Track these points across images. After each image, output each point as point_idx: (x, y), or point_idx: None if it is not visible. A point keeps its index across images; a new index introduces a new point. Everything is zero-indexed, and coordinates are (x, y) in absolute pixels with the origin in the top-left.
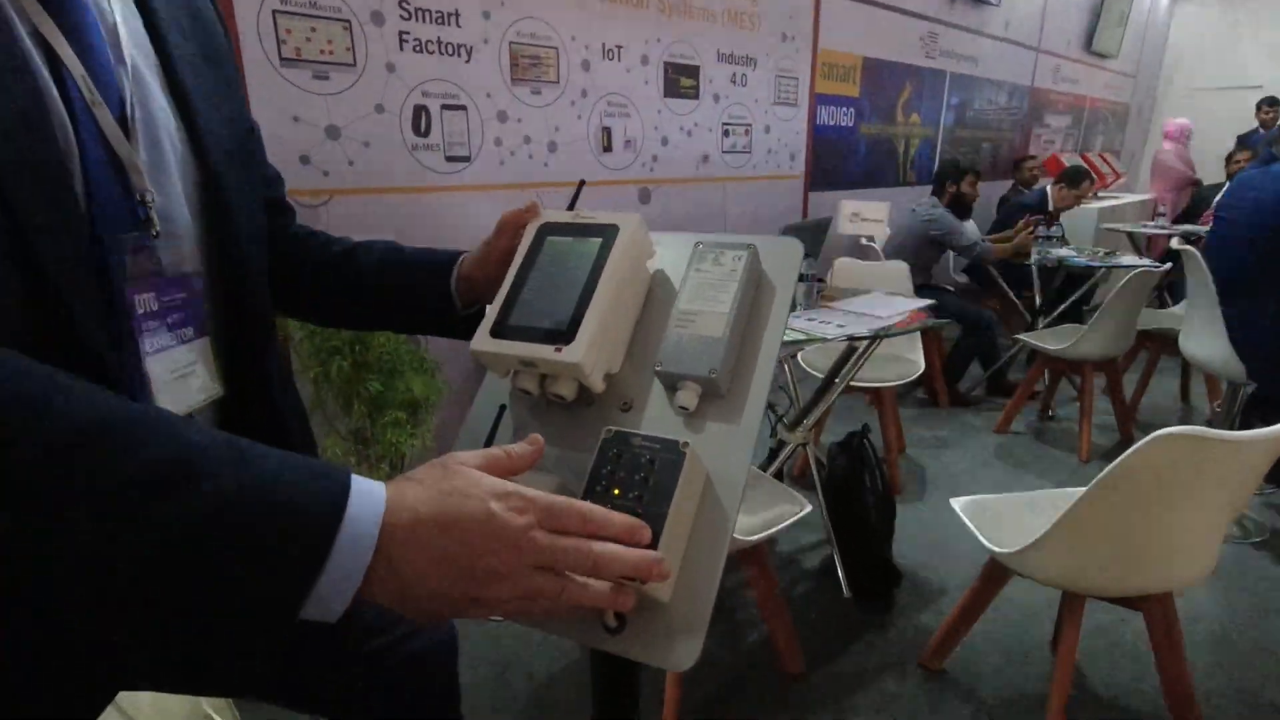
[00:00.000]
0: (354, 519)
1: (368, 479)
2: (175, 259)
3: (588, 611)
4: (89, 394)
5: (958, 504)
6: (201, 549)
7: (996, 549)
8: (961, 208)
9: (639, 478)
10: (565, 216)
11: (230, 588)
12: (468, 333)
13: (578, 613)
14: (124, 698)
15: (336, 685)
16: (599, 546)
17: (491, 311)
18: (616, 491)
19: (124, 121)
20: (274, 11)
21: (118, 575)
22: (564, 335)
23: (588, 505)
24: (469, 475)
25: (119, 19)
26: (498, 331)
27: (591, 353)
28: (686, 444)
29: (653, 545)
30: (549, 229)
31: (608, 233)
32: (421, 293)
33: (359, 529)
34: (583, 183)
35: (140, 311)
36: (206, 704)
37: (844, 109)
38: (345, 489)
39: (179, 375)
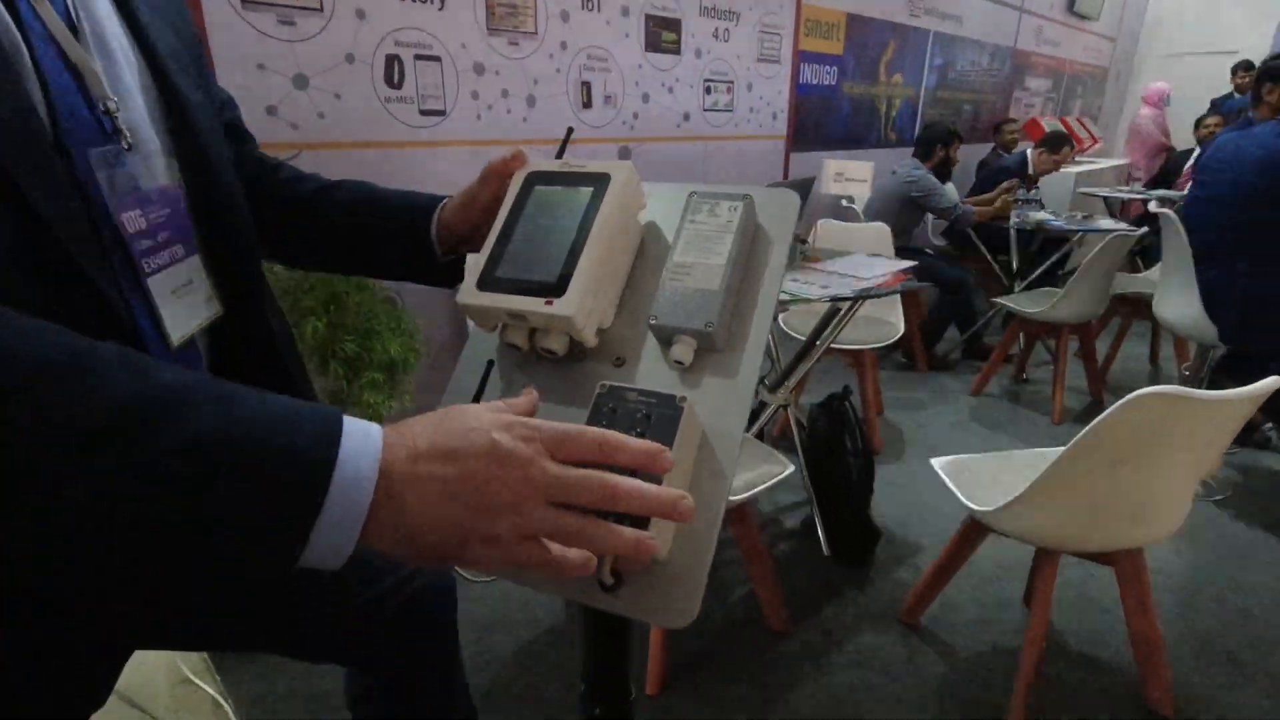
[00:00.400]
0: (349, 457)
1: (361, 420)
2: (150, 172)
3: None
4: (42, 332)
5: (938, 463)
6: (182, 496)
7: (975, 507)
8: (945, 171)
9: (635, 434)
10: (554, 165)
11: (218, 538)
12: (445, 280)
13: (589, 568)
14: None
15: (337, 633)
16: (617, 477)
17: (478, 263)
18: None
19: (69, 23)
20: None
21: (90, 530)
22: (555, 288)
23: (600, 429)
24: (469, 409)
25: None
26: (485, 283)
27: (584, 305)
28: (684, 398)
29: None
30: (537, 178)
31: (599, 182)
32: (398, 238)
33: (356, 468)
34: (571, 130)
35: (131, 230)
36: (185, 667)
37: (827, 67)
38: (338, 428)
39: (180, 295)
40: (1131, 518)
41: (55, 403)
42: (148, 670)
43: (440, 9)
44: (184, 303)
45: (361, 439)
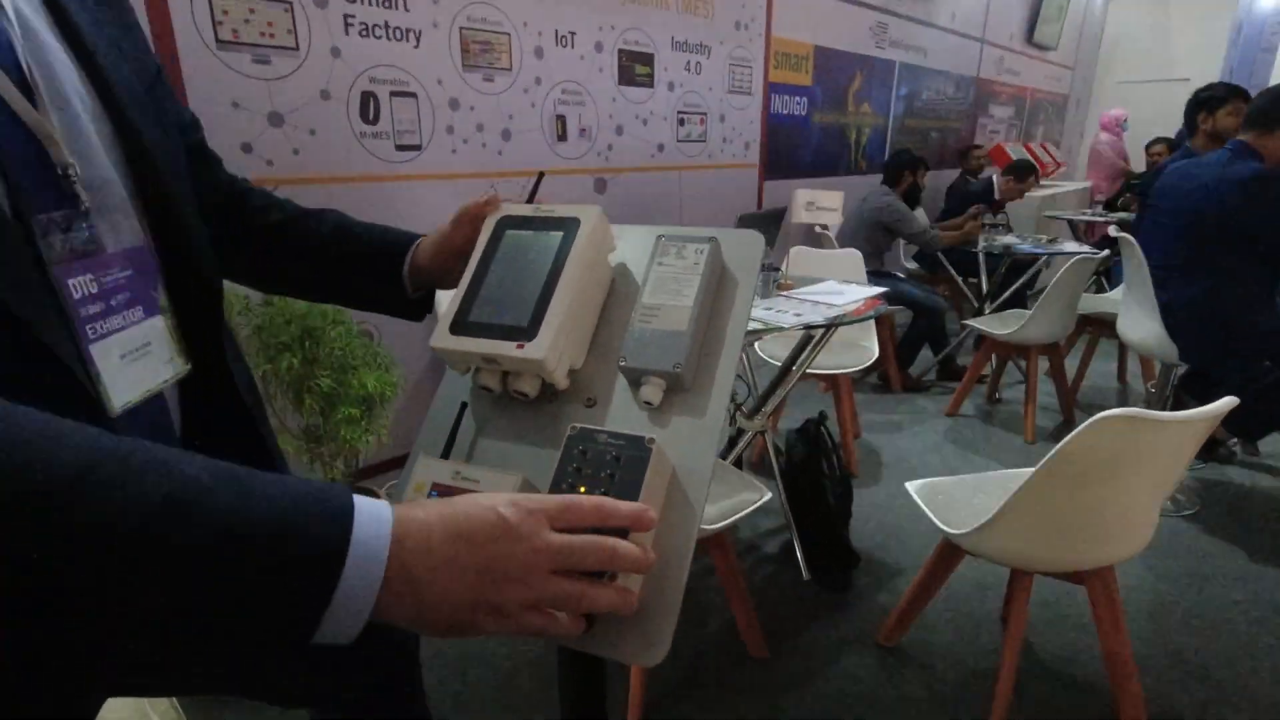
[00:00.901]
0: (362, 539)
1: (371, 500)
2: (113, 231)
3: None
4: (75, 434)
5: (912, 487)
6: (201, 587)
7: (949, 530)
8: (912, 197)
9: (604, 474)
10: (525, 209)
11: (236, 624)
12: (415, 314)
13: (579, 628)
14: None
15: (297, 670)
16: (614, 540)
17: (451, 307)
18: (583, 489)
19: (24, 86)
20: None
21: (118, 619)
22: (525, 332)
23: (596, 497)
24: (473, 493)
25: None
26: (458, 328)
27: (554, 349)
28: (652, 440)
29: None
30: (508, 222)
31: (568, 226)
32: (371, 272)
33: (368, 550)
34: (541, 174)
35: (77, 296)
36: (153, 712)
37: (797, 98)
38: (349, 512)
39: (133, 359)
40: (1099, 537)
41: (97, 507)
42: (114, 716)
43: (415, 46)
44: (136, 367)
45: (371, 521)
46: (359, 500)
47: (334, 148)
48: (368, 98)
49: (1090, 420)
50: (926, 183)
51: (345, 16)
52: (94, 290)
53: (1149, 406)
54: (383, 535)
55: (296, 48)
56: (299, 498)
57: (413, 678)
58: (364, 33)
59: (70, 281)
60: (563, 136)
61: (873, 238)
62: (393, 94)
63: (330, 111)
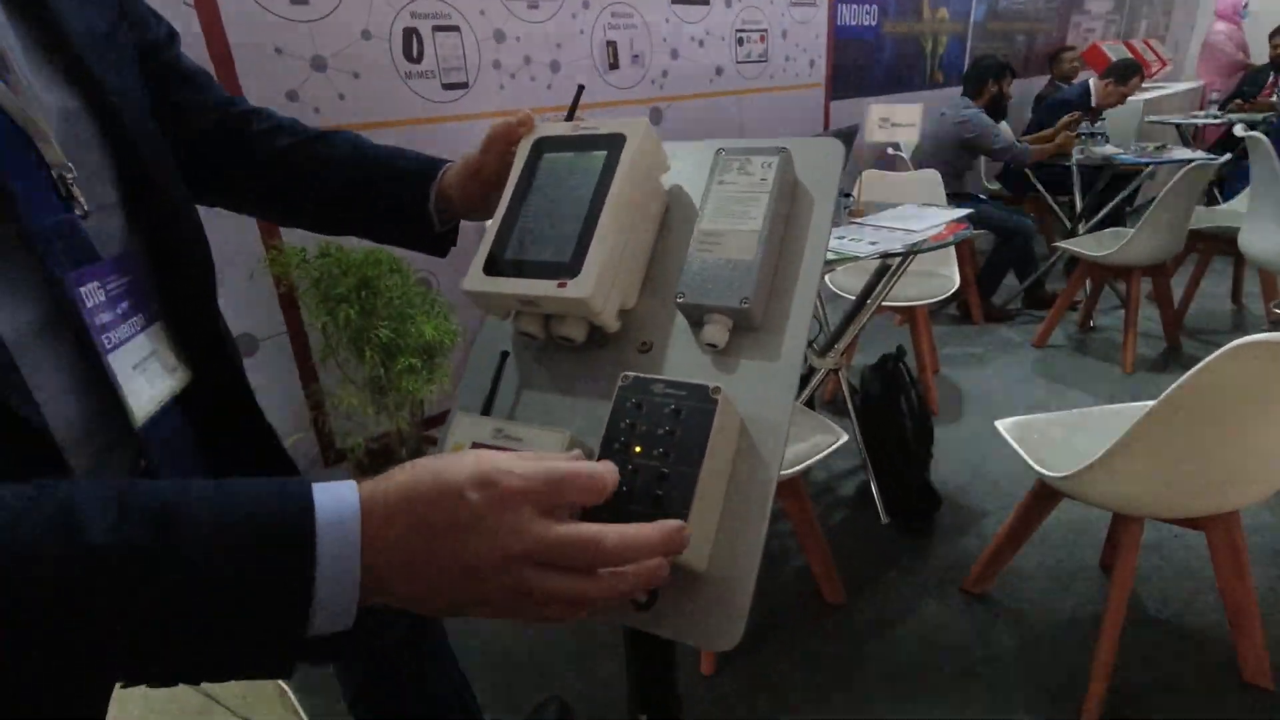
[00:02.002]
0: (328, 521)
1: (331, 485)
2: (107, 237)
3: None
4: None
5: (1003, 426)
6: (186, 612)
7: (1047, 473)
8: (998, 109)
9: (663, 432)
10: (563, 128)
11: (227, 640)
12: (441, 248)
13: (578, 615)
14: None
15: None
16: (604, 533)
17: (484, 244)
18: (638, 449)
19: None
20: None
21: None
22: (568, 268)
23: (598, 466)
24: (445, 463)
25: None
26: (493, 268)
27: (601, 286)
28: (718, 389)
29: (684, 509)
30: (545, 144)
31: (612, 144)
32: (392, 201)
33: (339, 532)
34: (582, 88)
35: (90, 304)
36: None
37: (866, 6)
38: (308, 503)
39: (143, 368)
40: (1226, 480)
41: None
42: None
43: None
44: (147, 376)
45: (335, 508)
46: (316, 488)
47: (379, 90)
48: (410, 34)
49: (1227, 347)
50: (1012, 92)
51: None
52: (102, 299)
53: (1274, 328)
54: (349, 516)
55: None
56: (252, 499)
57: (438, 630)
58: None
59: (81, 290)
60: (614, 64)
61: (953, 157)
62: (435, 29)
63: (373, 51)
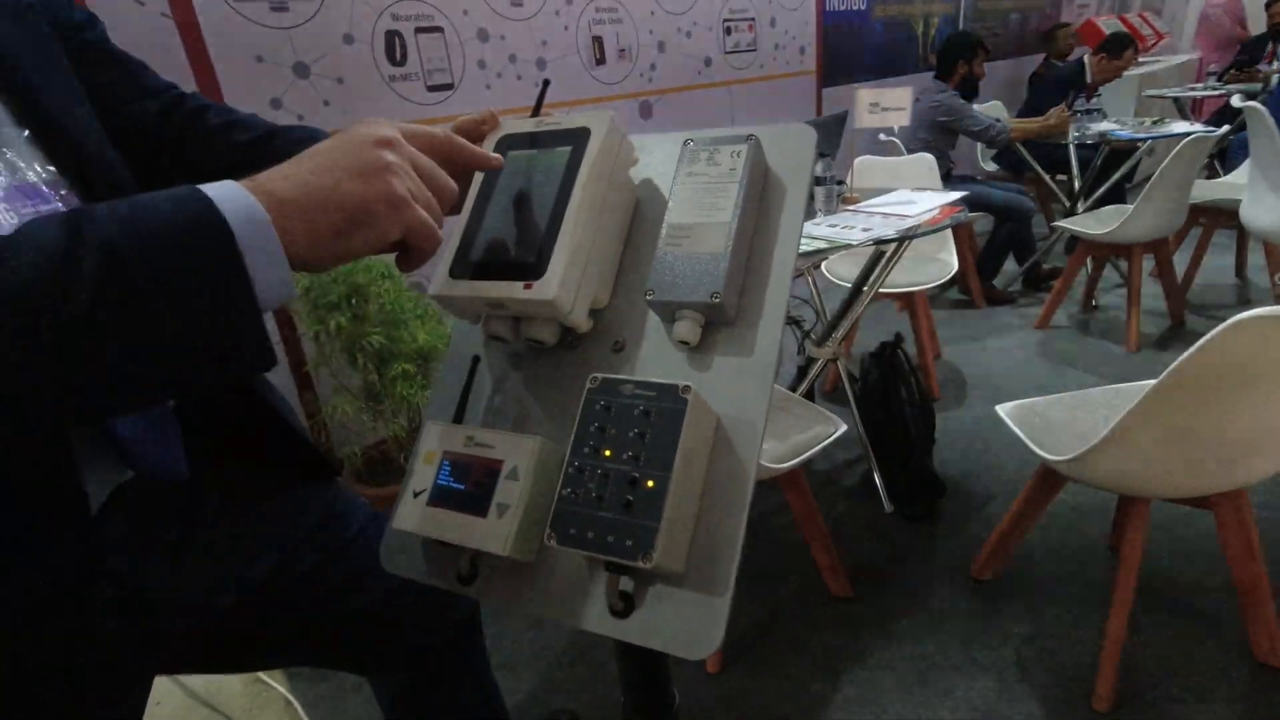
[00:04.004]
0: (230, 208)
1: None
2: (17, 163)
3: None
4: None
5: (1003, 410)
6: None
7: (1050, 456)
8: (969, 88)
9: (634, 434)
10: (527, 124)
11: (194, 337)
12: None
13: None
14: None
15: (363, 635)
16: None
17: (449, 247)
18: (607, 453)
19: None
20: None
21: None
22: (533, 268)
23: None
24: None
25: None
26: (459, 270)
27: (567, 286)
28: (688, 388)
29: (657, 513)
30: (510, 141)
31: (576, 138)
32: None
33: (237, 209)
34: (547, 83)
35: None
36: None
37: None
38: (204, 198)
39: None
40: (1232, 457)
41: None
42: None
43: None
44: None
45: (225, 191)
46: (206, 189)
47: (363, 95)
48: (392, 37)
49: (1226, 323)
50: (984, 71)
51: None
52: (14, 221)
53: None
54: (239, 194)
55: None
56: (160, 201)
57: (475, 644)
58: None
59: None
60: (601, 59)
61: (932, 140)
62: (418, 30)
63: (355, 56)
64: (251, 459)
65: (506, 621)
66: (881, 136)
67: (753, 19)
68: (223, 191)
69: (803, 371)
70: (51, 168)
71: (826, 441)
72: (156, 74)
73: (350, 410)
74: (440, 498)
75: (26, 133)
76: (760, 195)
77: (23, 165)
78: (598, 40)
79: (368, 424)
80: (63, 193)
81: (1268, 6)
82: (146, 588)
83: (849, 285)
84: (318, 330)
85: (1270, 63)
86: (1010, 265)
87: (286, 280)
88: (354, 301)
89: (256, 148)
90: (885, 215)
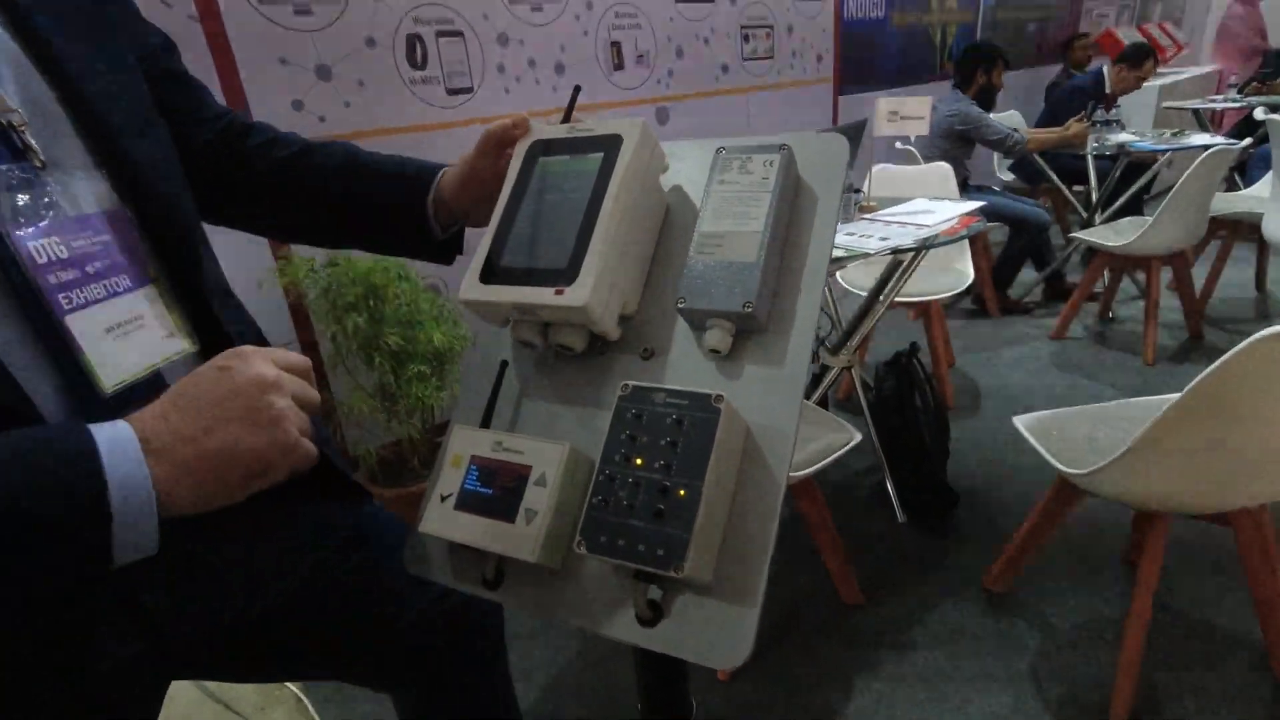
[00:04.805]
0: (116, 471)
1: (107, 425)
2: (79, 194)
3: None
4: None
5: (1021, 422)
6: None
7: (1068, 470)
8: (988, 99)
9: (665, 443)
10: (559, 130)
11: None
12: (445, 256)
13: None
14: None
15: (392, 654)
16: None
17: (480, 251)
18: (639, 461)
19: None
20: None
21: None
22: (564, 274)
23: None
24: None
25: None
26: (488, 275)
27: (599, 292)
28: (720, 398)
29: (688, 522)
30: (541, 147)
31: (609, 145)
32: (390, 210)
33: (126, 477)
34: (578, 89)
35: (41, 261)
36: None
37: None
38: (93, 451)
39: (121, 333)
40: (1253, 474)
41: None
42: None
43: None
44: (128, 343)
45: (118, 445)
46: (96, 432)
47: (384, 97)
48: (414, 40)
49: (1245, 343)
50: (1003, 81)
51: None
52: (63, 255)
53: None
54: (131, 453)
55: None
56: (37, 467)
57: (498, 660)
58: None
59: (31, 245)
60: (619, 65)
61: (950, 149)
62: (439, 34)
63: (377, 59)
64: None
65: (517, 627)
66: (898, 144)
67: (771, 26)
68: (115, 451)
69: (817, 379)
70: (115, 196)
71: (841, 451)
72: (214, 98)
73: (366, 409)
74: (467, 502)
75: (98, 167)
76: (792, 204)
77: (84, 197)
78: (616, 45)
79: (383, 423)
80: (117, 225)
81: None
82: (158, 606)
83: (864, 293)
84: (335, 330)
85: None
86: (1026, 275)
87: (149, 540)
88: (372, 303)
89: (295, 162)
90: (903, 224)
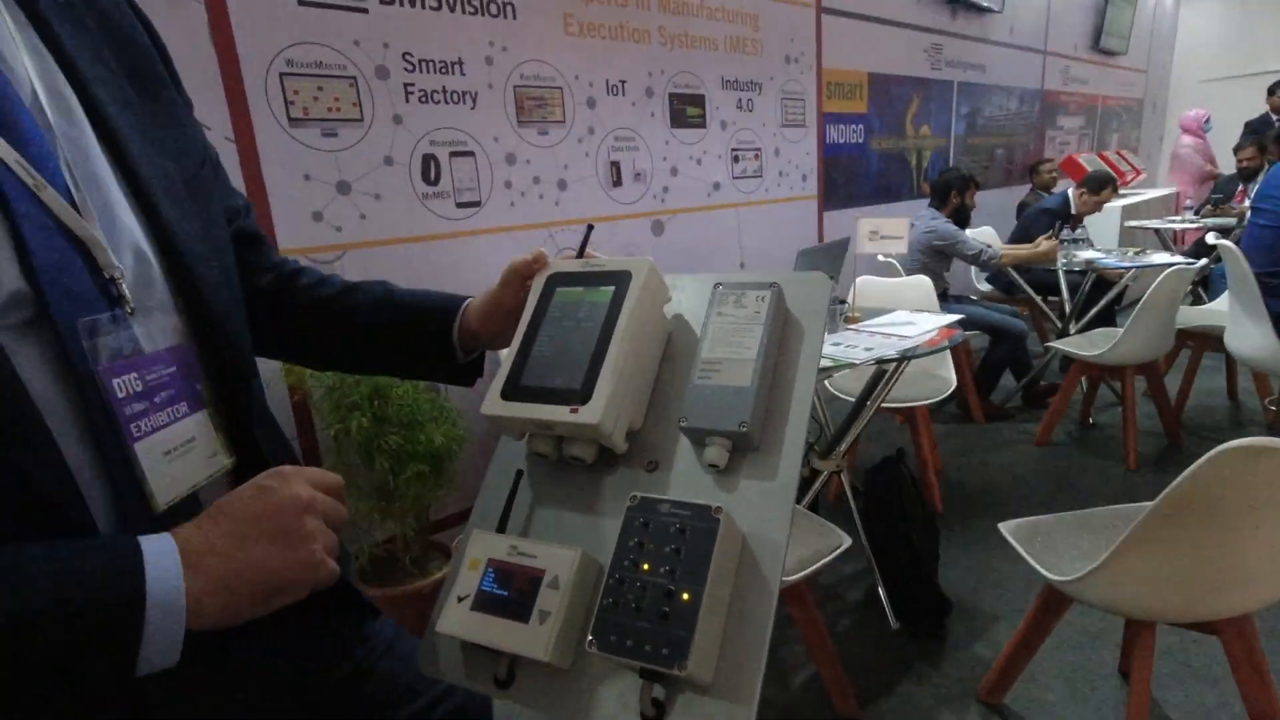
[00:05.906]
0: (155, 580)
1: (155, 539)
2: (156, 332)
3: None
4: None
5: (1006, 529)
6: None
7: (1053, 576)
8: (962, 218)
9: (669, 549)
10: (574, 265)
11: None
12: (467, 378)
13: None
14: None
15: None
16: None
17: (502, 372)
18: (646, 566)
19: (70, 194)
20: (280, 74)
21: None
22: (579, 394)
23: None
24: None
25: (33, 76)
26: (509, 393)
27: (610, 411)
28: (719, 509)
29: (691, 624)
30: (558, 279)
31: (619, 279)
32: (420, 340)
33: (165, 592)
34: (591, 227)
35: (121, 395)
36: None
37: (853, 125)
38: (139, 568)
39: (177, 455)
40: (1232, 582)
41: None
42: None
43: (472, 107)
44: (180, 464)
45: (161, 558)
46: (145, 544)
47: (398, 210)
48: (428, 160)
49: (1211, 453)
50: (976, 202)
51: (405, 85)
52: (138, 389)
53: (1270, 427)
54: (172, 568)
55: (361, 119)
56: (84, 575)
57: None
58: (423, 99)
59: (115, 381)
60: (618, 182)
61: (928, 262)
62: (452, 154)
63: (394, 176)
64: None
65: None
66: (880, 258)
67: (759, 149)
68: (157, 563)
69: (807, 484)
70: (187, 332)
71: (831, 556)
72: (273, 248)
73: (364, 509)
74: (484, 603)
75: (178, 311)
76: (781, 335)
77: (160, 334)
78: (615, 165)
79: (377, 524)
80: (183, 357)
81: (1235, 151)
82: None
83: (852, 399)
84: (337, 430)
85: (1241, 201)
86: (1007, 381)
87: (173, 652)
88: (375, 403)
89: (340, 299)
90: (886, 335)
